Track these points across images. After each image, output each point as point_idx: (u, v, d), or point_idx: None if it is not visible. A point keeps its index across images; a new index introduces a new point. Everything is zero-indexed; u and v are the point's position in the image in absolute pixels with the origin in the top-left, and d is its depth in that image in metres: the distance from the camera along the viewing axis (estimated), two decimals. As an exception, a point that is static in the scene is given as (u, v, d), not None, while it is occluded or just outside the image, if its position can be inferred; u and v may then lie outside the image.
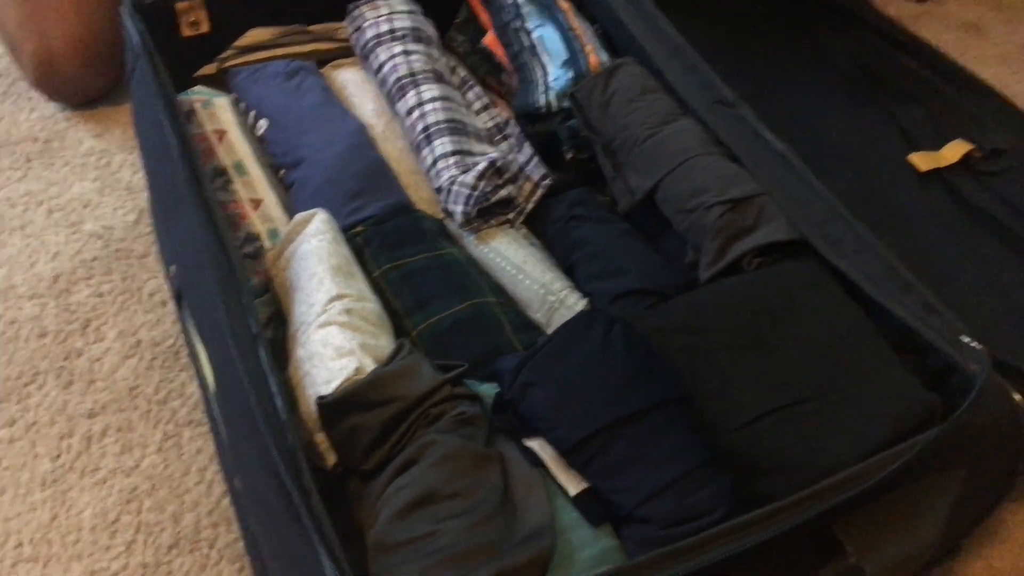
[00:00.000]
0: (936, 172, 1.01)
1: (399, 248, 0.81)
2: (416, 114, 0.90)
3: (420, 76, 0.92)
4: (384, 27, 0.97)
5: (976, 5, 1.41)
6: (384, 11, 0.99)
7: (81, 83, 1.08)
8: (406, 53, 0.94)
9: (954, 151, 1.03)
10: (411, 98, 0.91)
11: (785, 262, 0.78)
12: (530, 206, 0.87)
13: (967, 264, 0.92)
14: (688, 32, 0.95)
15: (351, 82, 0.98)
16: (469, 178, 0.83)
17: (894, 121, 1.09)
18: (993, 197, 0.99)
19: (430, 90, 0.91)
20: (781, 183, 0.81)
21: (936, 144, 1.05)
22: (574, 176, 0.91)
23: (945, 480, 0.63)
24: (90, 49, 1.07)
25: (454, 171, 0.85)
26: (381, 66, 0.95)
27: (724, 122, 0.86)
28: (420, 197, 0.89)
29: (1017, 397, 0.66)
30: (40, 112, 1.12)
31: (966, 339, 0.68)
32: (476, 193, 0.83)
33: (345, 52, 1.02)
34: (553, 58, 0.96)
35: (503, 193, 0.84)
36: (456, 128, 0.89)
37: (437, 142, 0.87)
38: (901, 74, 1.15)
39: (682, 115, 0.89)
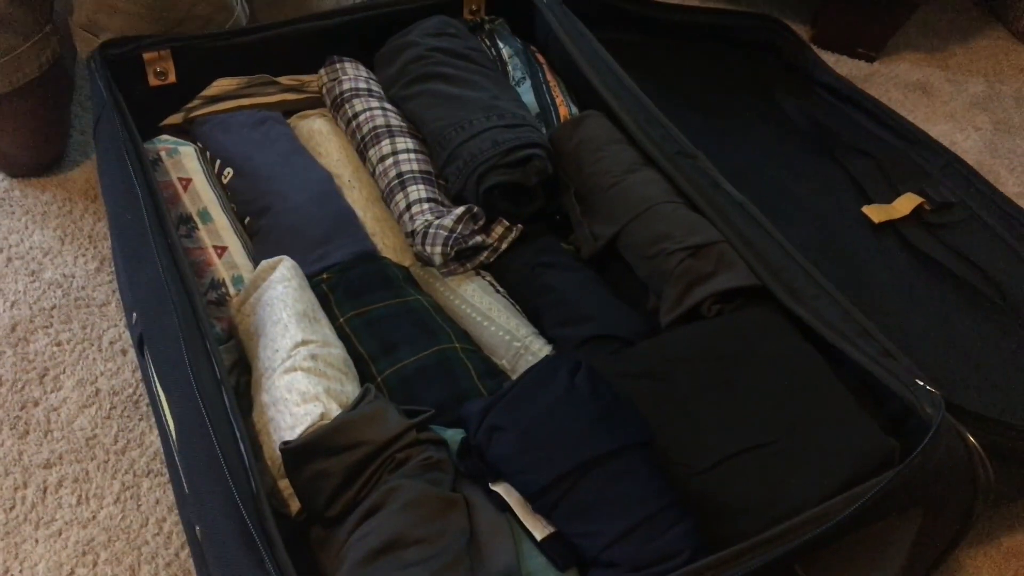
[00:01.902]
0: (889, 224, 1.05)
1: (365, 295, 0.82)
2: (390, 161, 0.91)
3: (395, 128, 0.94)
4: (362, 84, 0.99)
5: (924, 66, 1.46)
6: (363, 73, 1.01)
7: (33, 164, 1.10)
8: (383, 108, 0.96)
9: (906, 204, 1.06)
10: (385, 146, 0.92)
11: (745, 308, 0.80)
12: (504, 246, 0.88)
13: (920, 311, 0.94)
14: (648, 89, 0.98)
15: (318, 132, 0.99)
16: (447, 221, 0.85)
17: (848, 175, 1.12)
18: (944, 248, 1.02)
19: (405, 142, 0.93)
20: (740, 232, 0.83)
21: (888, 197, 1.08)
22: (541, 225, 0.92)
23: (904, 521, 0.64)
24: (45, 148, 1.09)
25: (429, 216, 0.86)
26: (356, 115, 0.96)
27: (685, 173, 0.88)
28: (385, 245, 0.90)
29: (971, 440, 0.68)
30: None
31: (921, 383, 0.69)
32: (455, 235, 0.84)
33: (312, 103, 1.04)
34: (529, 111, 0.99)
35: (478, 239, 0.85)
36: (429, 179, 0.91)
37: (411, 188, 0.89)
38: (854, 130, 1.19)
39: (645, 165, 0.91)
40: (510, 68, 1.05)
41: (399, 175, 0.90)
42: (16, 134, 1.06)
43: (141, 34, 0.95)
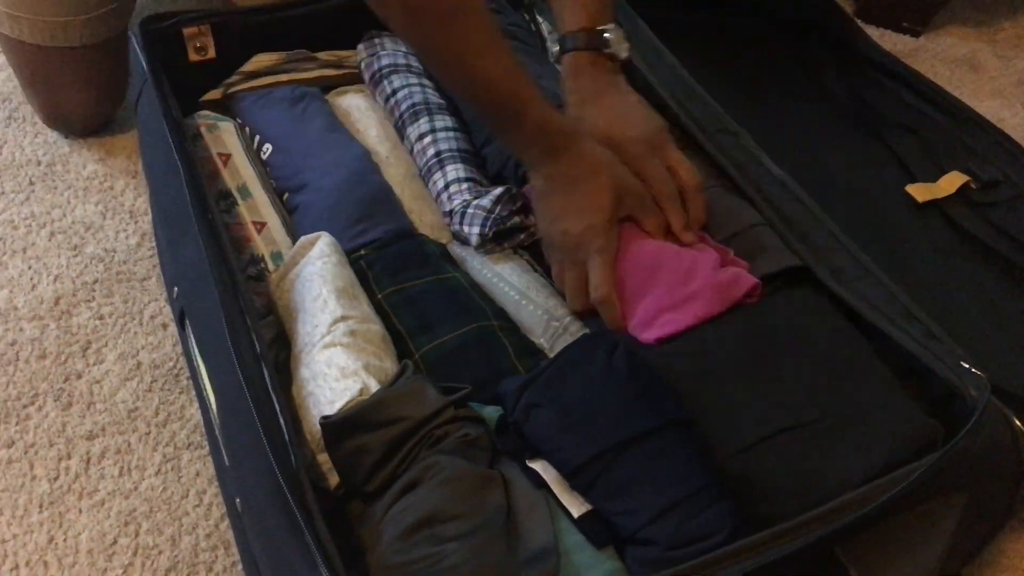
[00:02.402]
0: (933, 203, 1.03)
1: (402, 271, 0.82)
2: (428, 139, 0.91)
3: (434, 106, 0.93)
4: (402, 60, 0.98)
5: (971, 40, 1.43)
6: (403, 48, 1.00)
7: (85, 123, 1.13)
8: (422, 85, 0.96)
9: (951, 182, 1.04)
10: (424, 124, 0.92)
11: (786, 290, 0.79)
12: None
13: (965, 293, 0.92)
14: (689, 65, 0.96)
15: (356, 108, 0.99)
16: (485, 202, 0.84)
17: (892, 153, 1.10)
18: (989, 227, 1.00)
19: (443, 120, 0.92)
20: (781, 211, 0.82)
21: (933, 175, 1.06)
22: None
23: (946, 505, 0.63)
24: (100, 109, 1.12)
25: (467, 196, 0.86)
26: (395, 91, 0.96)
27: (726, 151, 0.87)
28: (423, 222, 0.90)
29: (1017, 423, 0.67)
30: (44, 136, 1.13)
31: (966, 365, 0.68)
32: (493, 216, 0.83)
33: (350, 79, 1.03)
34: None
35: (516, 220, 0.85)
36: (467, 158, 0.90)
37: (450, 167, 0.88)
38: (898, 107, 1.16)
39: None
40: (549, 43, 1.04)
41: (437, 154, 0.90)
42: (81, 88, 1.08)
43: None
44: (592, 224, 0.78)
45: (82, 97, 1.09)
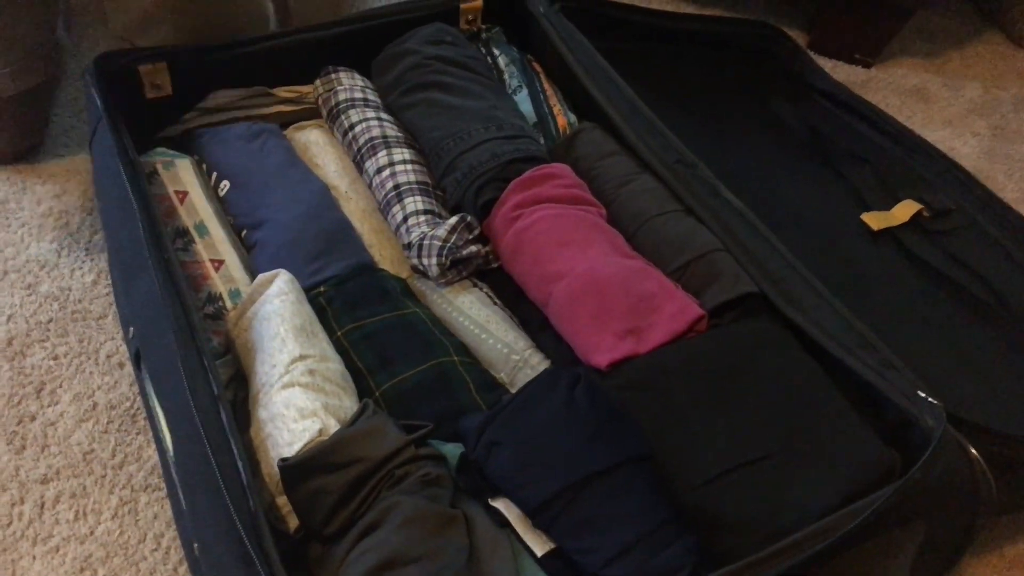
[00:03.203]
0: (888, 231, 1.04)
1: (362, 308, 0.81)
2: (387, 173, 0.91)
3: (392, 139, 0.94)
4: (358, 94, 0.98)
5: (921, 71, 1.46)
6: (359, 82, 1.01)
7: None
8: (379, 119, 0.96)
9: (904, 211, 1.06)
10: (382, 158, 0.92)
11: (743, 320, 0.80)
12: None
13: (921, 320, 0.94)
14: (646, 97, 0.97)
15: (315, 143, 0.99)
16: (440, 231, 0.84)
17: (846, 182, 1.12)
18: (943, 255, 1.02)
19: (401, 153, 0.92)
20: (740, 240, 0.83)
21: (887, 204, 1.08)
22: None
23: (906, 534, 0.64)
24: (19, 145, 1.11)
25: (424, 228, 0.86)
26: (352, 126, 0.96)
27: (684, 181, 0.88)
28: (383, 256, 0.89)
29: (973, 452, 0.68)
30: (-3, 173, 1.11)
31: (923, 395, 0.69)
32: (448, 245, 0.83)
33: (309, 114, 1.03)
34: (527, 121, 0.99)
35: (473, 249, 0.85)
36: (426, 190, 0.90)
37: (408, 200, 0.88)
38: (851, 137, 1.18)
39: (639, 173, 0.91)
40: (507, 76, 1.05)
41: (396, 187, 0.90)
42: (4, 129, 1.07)
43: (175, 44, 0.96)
44: None
45: (3, 136, 1.08)
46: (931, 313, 0.95)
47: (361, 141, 0.94)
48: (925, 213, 1.06)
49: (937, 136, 1.31)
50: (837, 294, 0.79)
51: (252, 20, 1.04)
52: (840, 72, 1.41)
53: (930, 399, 0.68)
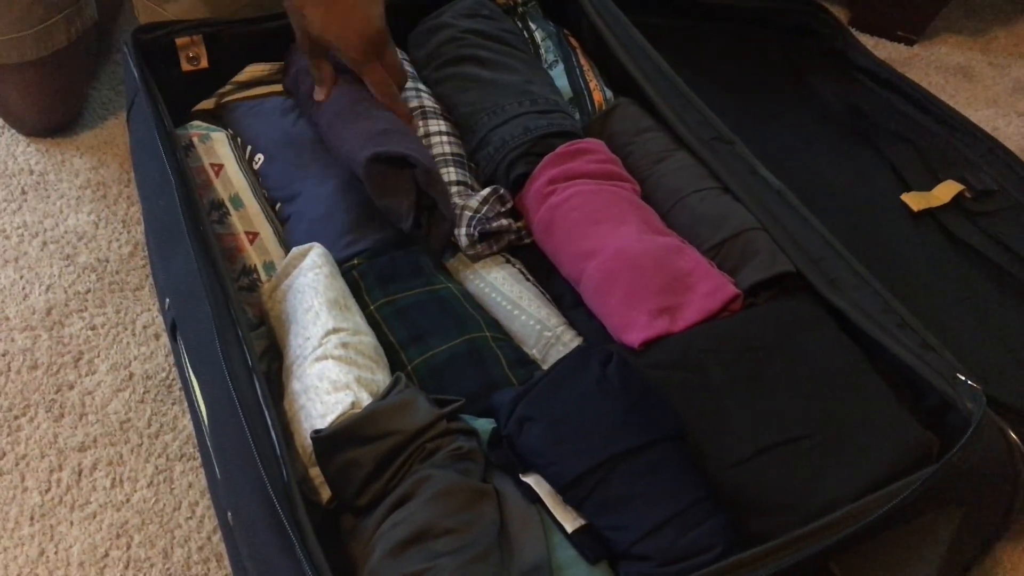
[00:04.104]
0: (928, 212, 1.02)
1: (395, 282, 0.81)
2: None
3: (429, 111, 0.93)
4: None
5: (965, 49, 1.43)
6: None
7: (40, 126, 1.13)
8: (416, 89, 0.95)
9: (946, 191, 1.04)
10: (419, 129, 0.92)
11: (781, 298, 0.79)
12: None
13: (961, 303, 0.92)
14: (683, 74, 0.96)
15: (349, 117, 0.99)
16: (472, 202, 0.84)
17: (886, 161, 1.10)
18: (985, 237, 1.00)
19: (438, 124, 0.92)
20: (778, 219, 0.81)
21: (928, 184, 1.06)
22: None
23: (942, 518, 0.63)
24: (53, 115, 1.12)
25: (457, 199, 0.86)
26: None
27: (721, 159, 0.87)
28: (417, 231, 0.89)
29: (1012, 436, 0.67)
30: (36, 145, 1.12)
31: (962, 377, 0.68)
32: (479, 216, 0.83)
33: (343, 88, 1.03)
34: (562, 96, 0.98)
35: (504, 222, 0.85)
36: (460, 162, 0.90)
37: (442, 171, 0.88)
38: (893, 115, 1.16)
39: (675, 150, 0.90)
40: (543, 51, 1.04)
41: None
42: (33, 97, 1.08)
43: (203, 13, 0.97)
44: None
45: (33, 104, 1.09)
46: (972, 295, 0.93)
47: (397, 114, 0.94)
48: (967, 194, 1.04)
49: (981, 116, 1.28)
50: (875, 275, 0.77)
51: None
52: (882, 50, 1.39)
53: (969, 382, 0.67)
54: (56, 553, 0.77)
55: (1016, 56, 1.43)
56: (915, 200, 1.03)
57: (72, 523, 0.79)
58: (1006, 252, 0.97)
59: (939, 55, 1.41)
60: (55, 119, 1.12)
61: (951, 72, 1.38)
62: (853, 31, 1.32)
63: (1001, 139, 1.14)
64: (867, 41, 1.37)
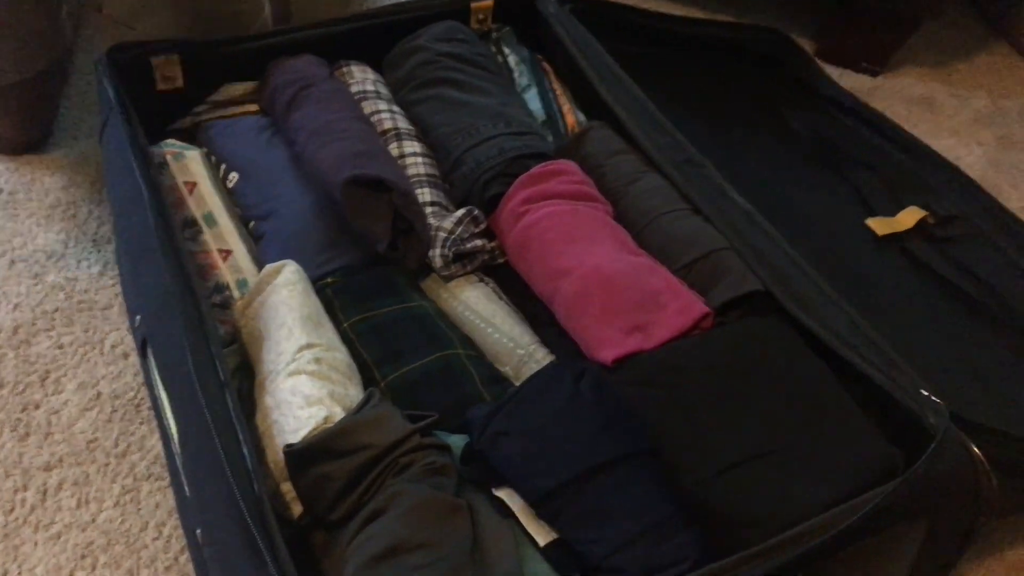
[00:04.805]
0: (893, 236, 1.05)
1: (369, 300, 0.82)
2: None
3: (403, 132, 0.94)
4: (370, 87, 0.99)
5: (928, 81, 1.47)
6: (371, 75, 1.01)
7: (12, 145, 1.12)
8: (391, 111, 0.96)
9: (909, 217, 1.07)
10: (393, 149, 0.92)
11: (750, 318, 0.80)
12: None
13: (925, 323, 0.94)
14: (654, 100, 0.98)
15: (323, 138, 0.99)
16: (447, 223, 0.85)
17: (851, 187, 1.12)
18: (947, 261, 1.02)
19: (412, 146, 0.93)
20: (747, 240, 0.83)
21: (892, 210, 1.08)
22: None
23: (908, 531, 0.64)
24: (26, 134, 1.11)
25: (432, 220, 0.86)
26: (364, 119, 0.96)
27: (691, 180, 0.88)
28: (391, 250, 0.90)
29: (975, 451, 0.68)
30: (5, 164, 1.11)
31: (926, 393, 0.69)
32: (453, 236, 0.84)
33: (318, 109, 1.04)
34: (536, 119, 0.99)
35: (478, 243, 0.85)
36: (435, 183, 0.91)
37: (417, 192, 0.89)
38: (858, 143, 1.19)
39: (646, 172, 0.92)
40: (516, 75, 1.06)
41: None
42: (10, 116, 1.08)
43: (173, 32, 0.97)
44: None
45: (10, 123, 1.09)
46: (935, 318, 0.95)
47: (371, 134, 0.95)
48: (930, 220, 1.07)
49: (943, 145, 1.31)
50: (843, 297, 0.79)
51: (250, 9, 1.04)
52: (847, 80, 1.42)
53: (933, 398, 0.69)
54: (20, 573, 0.76)
55: (976, 88, 1.47)
56: (879, 225, 1.05)
57: (36, 543, 0.78)
58: (968, 276, 1.00)
59: (902, 86, 1.45)
60: (31, 136, 1.12)
61: (914, 103, 1.42)
62: (820, 61, 1.35)
63: (963, 168, 1.17)
64: (833, 72, 1.41)
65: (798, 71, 1.28)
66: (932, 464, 0.62)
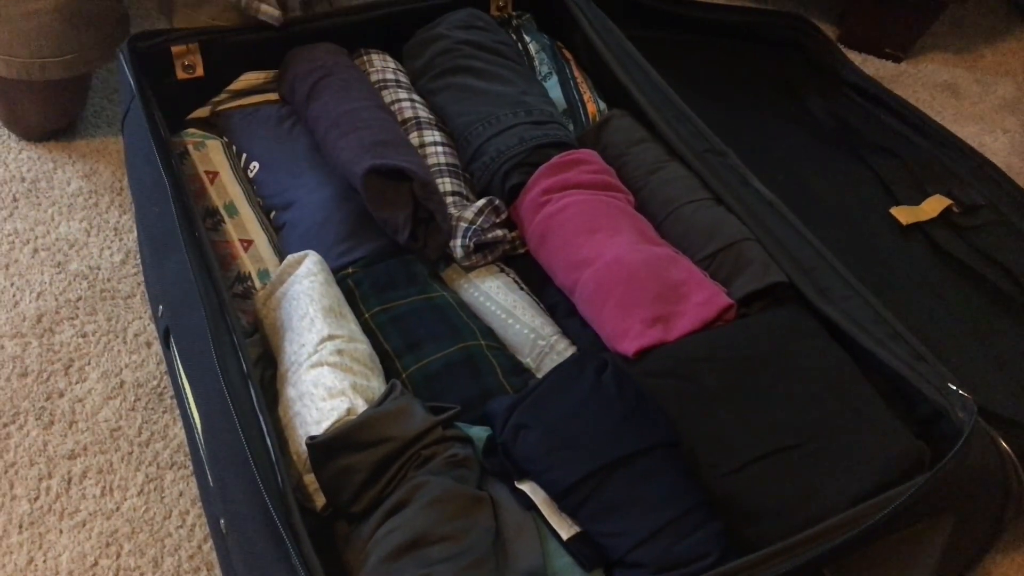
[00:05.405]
0: (917, 226, 1.04)
1: (390, 290, 0.82)
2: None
3: (424, 121, 0.94)
4: (390, 75, 0.98)
5: (952, 67, 1.45)
6: (391, 63, 1.01)
7: (42, 131, 1.13)
8: (411, 100, 0.96)
9: (934, 206, 1.05)
10: (414, 139, 0.92)
11: (773, 309, 0.79)
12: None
13: (950, 314, 0.93)
14: (675, 87, 0.97)
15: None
16: (467, 213, 0.84)
17: (875, 175, 1.11)
18: (972, 251, 1.01)
19: (432, 135, 0.93)
20: (770, 230, 0.82)
21: (916, 199, 1.07)
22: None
23: (934, 527, 0.64)
24: (59, 121, 1.12)
25: (452, 210, 0.86)
26: (385, 107, 0.96)
27: (714, 170, 0.87)
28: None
29: (1003, 445, 0.67)
30: (28, 152, 1.12)
31: (953, 387, 0.69)
32: (474, 227, 0.83)
33: (338, 98, 1.03)
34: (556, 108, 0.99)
35: (498, 233, 0.85)
36: (455, 172, 0.90)
37: (437, 182, 0.88)
38: (881, 131, 1.17)
39: (668, 162, 0.91)
40: (537, 63, 1.05)
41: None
42: (45, 108, 1.08)
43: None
44: None
45: (42, 113, 1.09)
46: (960, 308, 0.94)
47: (392, 123, 0.94)
48: (955, 208, 1.05)
49: (967, 132, 1.30)
50: (867, 287, 0.78)
51: None
52: (870, 66, 1.40)
53: (961, 391, 0.68)
54: (45, 562, 0.77)
55: (1002, 74, 1.45)
56: (904, 214, 1.04)
57: (61, 531, 0.79)
58: (994, 266, 0.99)
59: (926, 72, 1.43)
60: (58, 124, 1.12)
61: (938, 89, 1.40)
62: (842, 47, 1.34)
63: (987, 155, 1.15)
64: (855, 58, 1.39)
65: (819, 57, 1.26)
66: (960, 460, 0.62)
